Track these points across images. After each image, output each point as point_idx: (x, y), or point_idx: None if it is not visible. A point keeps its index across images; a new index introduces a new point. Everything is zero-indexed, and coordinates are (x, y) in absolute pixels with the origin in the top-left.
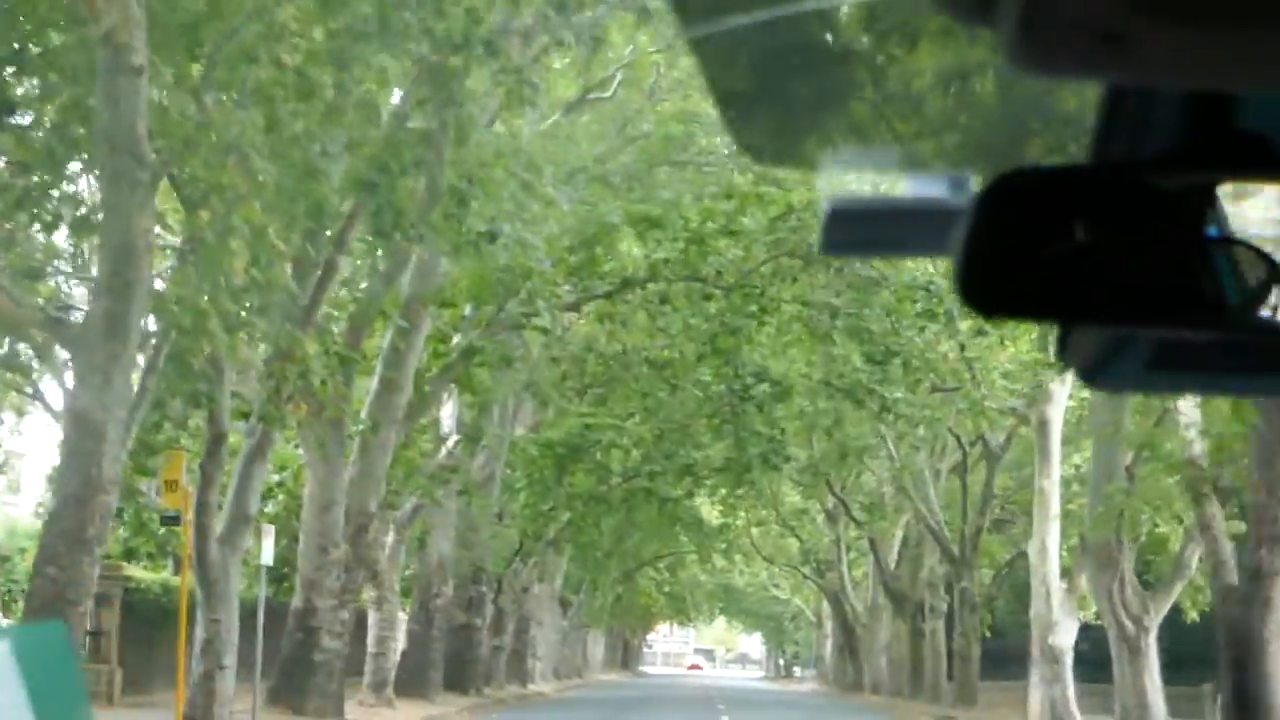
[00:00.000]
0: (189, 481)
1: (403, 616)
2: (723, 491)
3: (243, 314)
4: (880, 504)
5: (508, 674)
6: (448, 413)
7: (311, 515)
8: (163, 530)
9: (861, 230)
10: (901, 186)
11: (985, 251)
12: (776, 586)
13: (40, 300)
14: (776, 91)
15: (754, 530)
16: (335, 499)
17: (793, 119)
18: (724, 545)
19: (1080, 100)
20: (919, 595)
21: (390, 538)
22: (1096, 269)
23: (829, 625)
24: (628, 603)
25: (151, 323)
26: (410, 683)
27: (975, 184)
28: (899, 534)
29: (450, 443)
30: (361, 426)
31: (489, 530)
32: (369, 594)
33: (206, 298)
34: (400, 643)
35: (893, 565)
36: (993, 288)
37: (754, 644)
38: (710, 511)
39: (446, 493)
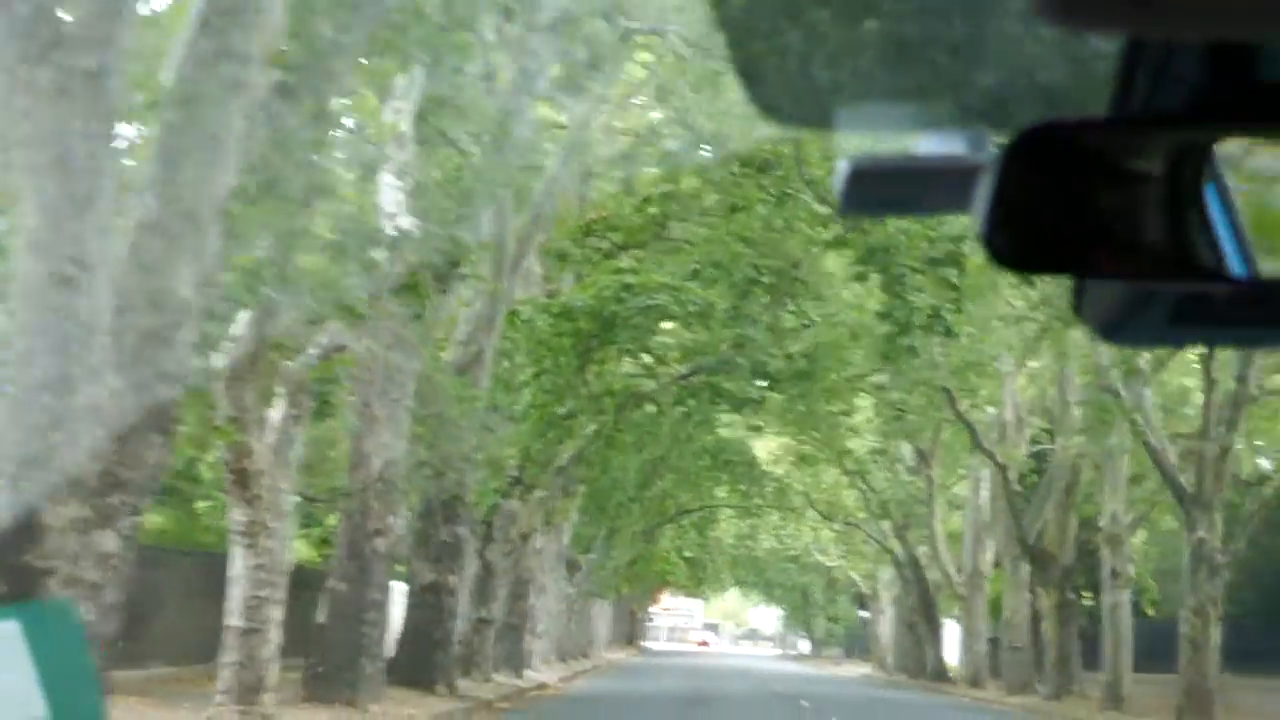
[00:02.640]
0: None
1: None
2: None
3: None
4: (1009, 431)
5: (498, 658)
6: (392, 198)
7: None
8: None
9: (881, 189)
10: (920, 144)
11: (1009, 207)
12: (822, 552)
13: None
14: (793, 51)
15: (807, 478)
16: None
17: (809, 79)
18: (773, 491)
19: (1100, 54)
20: (1067, 556)
21: (278, 415)
22: (1113, 224)
23: (885, 598)
24: (642, 568)
25: None
26: (331, 676)
27: (993, 140)
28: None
29: (394, 225)
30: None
31: (473, 436)
32: (236, 515)
33: None
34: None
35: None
36: (1016, 243)
37: (765, 618)
38: (767, 451)
39: (402, 349)
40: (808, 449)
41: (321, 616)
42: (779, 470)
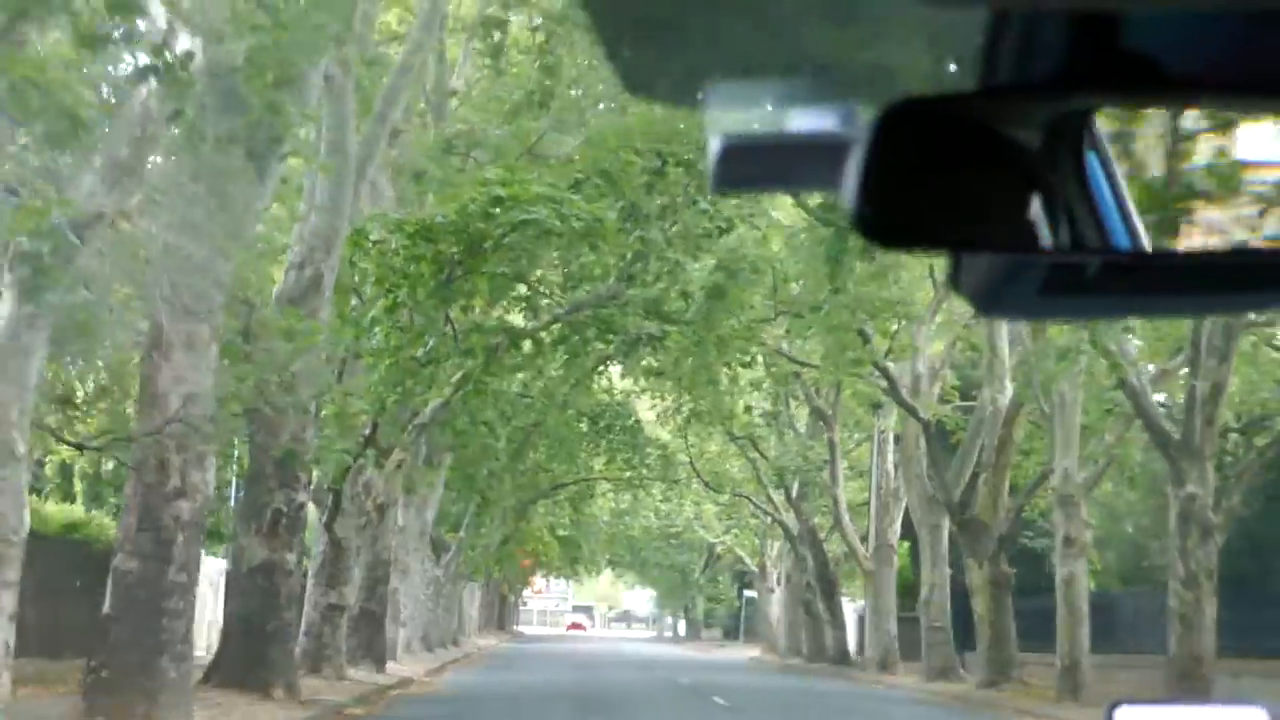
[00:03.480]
0: None
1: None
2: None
3: None
4: (923, 384)
5: (354, 650)
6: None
7: None
8: None
9: (752, 166)
10: (791, 120)
11: (879, 182)
12: (705, 527)
13: None
14: (659, 27)
15: (692, 446)
16: None
17: (676, 55)
18: (656, 460)
19: (964, 26)
20: (1000, 524)
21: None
22: (984, 197)
23: (774, 576)
24: (513, 547)
25: None
26: (120, 682)
27: (864, 114)
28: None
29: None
30: None
31: (310, 381)
32: None
33: None
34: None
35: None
36: (887, 219)
37: (639, 600)
38: (650, 413)
39: (200, 241)
40: (701, 407)
41: (107, 605)
42: (663, 434)
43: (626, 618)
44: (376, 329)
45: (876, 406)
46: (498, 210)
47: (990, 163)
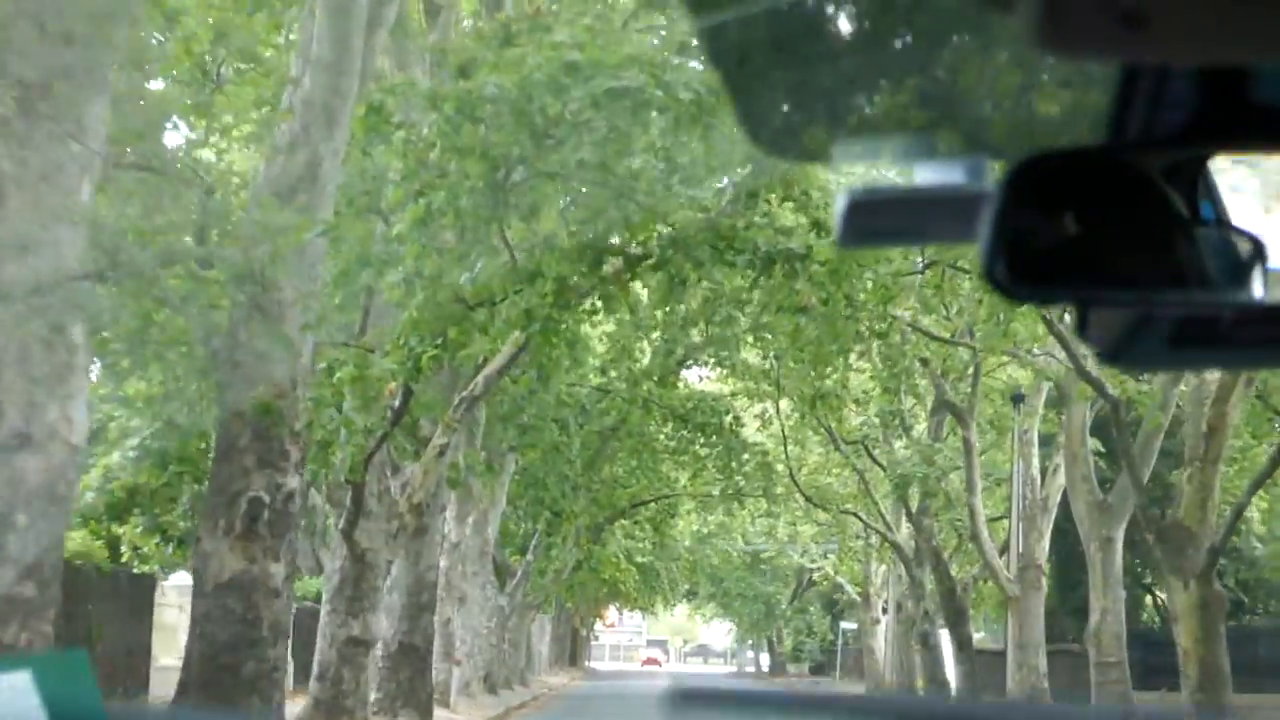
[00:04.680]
0: None
1: None
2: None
3: None
4: (1091, 362)
5: (389, 695)
6: None
7: None
8: None
9: (880, 220)
10: (918, 174)
11: (1009, 237)
12: (801, 551)
13: None
14: (788, 86)
15: (792, 457)
16: None
17: (805, 113)
18: (755, 468)
19: (1096, 81)
20: (1209, 532)
21: None
22: (1113, 250)
23: (879, 604)
24: (587, 575)
25: None
26: None
27: (992, 169)
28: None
29: None
30: None
31: (299, 307)
32: None
33: None
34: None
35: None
36: (1017, 272)
37: (715, 634)
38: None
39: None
40: (812, 393)
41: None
42: (764, 438)
43: (703, 652)
44: (405, 250)
45: (1017, 400)
46: (571, 81)
47: (1119, 215)
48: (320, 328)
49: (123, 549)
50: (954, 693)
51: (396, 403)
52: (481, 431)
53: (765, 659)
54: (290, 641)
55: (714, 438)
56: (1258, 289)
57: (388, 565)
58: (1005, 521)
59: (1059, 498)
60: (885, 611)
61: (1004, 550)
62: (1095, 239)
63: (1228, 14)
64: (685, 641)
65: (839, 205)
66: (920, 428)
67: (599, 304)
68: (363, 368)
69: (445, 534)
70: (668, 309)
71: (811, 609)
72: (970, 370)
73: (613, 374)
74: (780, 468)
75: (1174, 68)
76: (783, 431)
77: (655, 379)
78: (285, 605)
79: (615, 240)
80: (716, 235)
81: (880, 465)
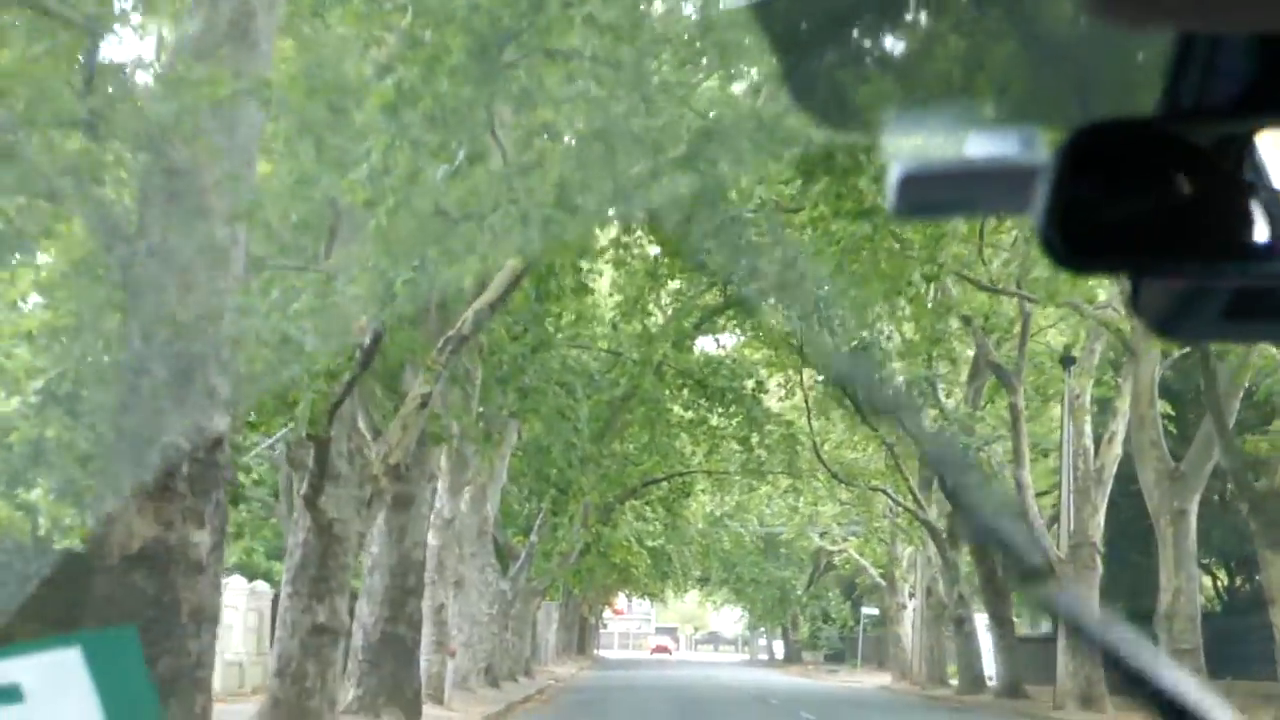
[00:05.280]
0: None
1: None
2: None
3: None
4: None
5: (370, 691)
6: None
7: None
8: None
9: (933, 192)
10: (971, 145)
11: (1065, 207)
12: (822, 532)
13: None
14: (839, 58)
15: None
16: None
17: (856, 85)
18: (778, 441)
19: (1149, 49)
20: None
21: None
22: (1165, 221)
23: (905, 589)
24: (597, 560)
25: None
26: None
27: (1045, 139)
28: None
29: None
30: None
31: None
32: None
33: None
34: None
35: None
36: (1073, 243)
37: (725, 620)
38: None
39: None
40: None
41: None
42: (786, 409)
43: (714, 639)
44: (369, 148)
45: (1067, 362)
46: None
47: (1173, 187)
48: (255, 221)
49: (41, 519)
50: (993, 683)
51: (366, 340)
52: (478, 394)
53: (779, 646)
54: (260, 631)
55: (733, 407)
56: None
57: (360, 539)
58: (1050, 497)
59: (1114, 469)
60: (912, 596)
61: (1051, 524)
62: (1150, 210)
63: None
64: (695, 629)
65: (892, 177)
66: (954, 397)
67: (612, 218)
68: (324, 296)
69: (438, 509)
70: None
71: (829, 594)
72: (1017, 328)
73: (624, 331)
74: (804, 440)
75: (1229, 37)
76: (806, 402)
77: (670, 343)
78: (212, 584)
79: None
80: (759, 126)
81: (913, 436)
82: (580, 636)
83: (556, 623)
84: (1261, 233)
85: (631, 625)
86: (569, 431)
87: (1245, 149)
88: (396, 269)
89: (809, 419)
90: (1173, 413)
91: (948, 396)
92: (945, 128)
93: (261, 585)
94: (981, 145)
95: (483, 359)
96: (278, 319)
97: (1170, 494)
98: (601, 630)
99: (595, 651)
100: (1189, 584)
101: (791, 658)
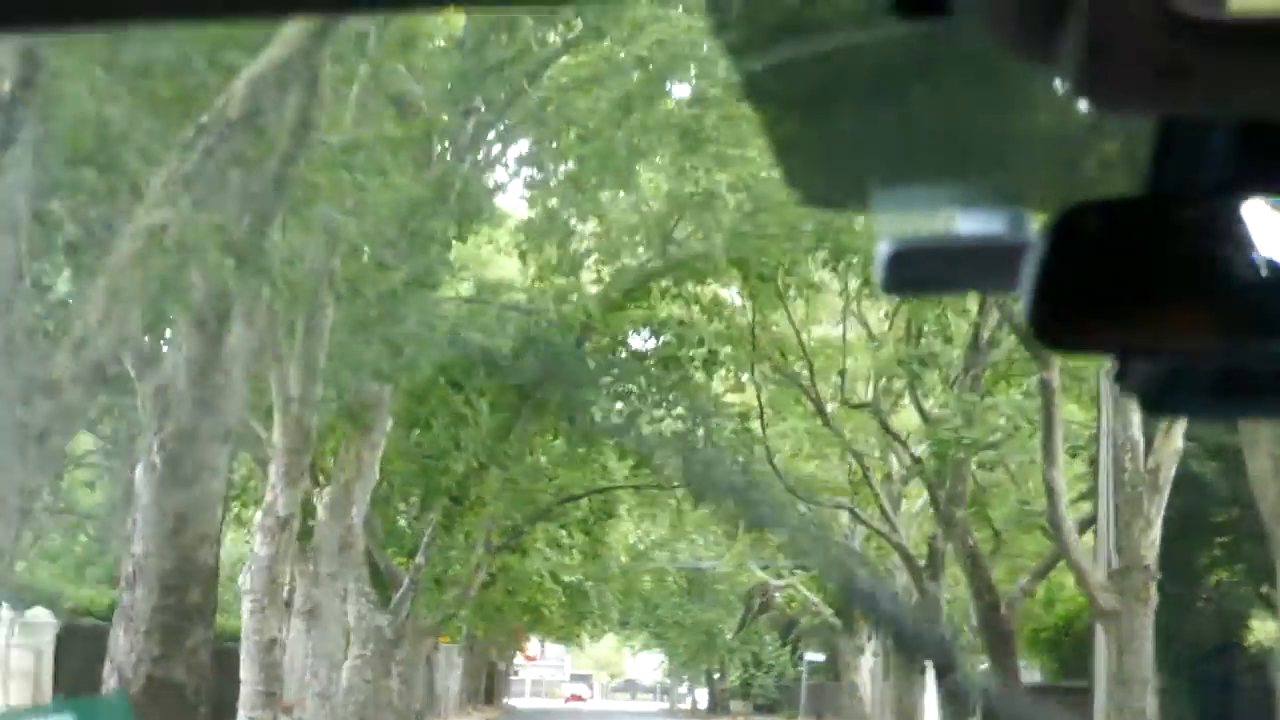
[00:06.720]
0: None
1: None
2: None
3: None
4: None
5: None
6: None
7: None
8: None
9: (922, 269)
10: (959, 224)
11: (1051, 286)
12: (764, 566)
13: None
14: (828, 134)
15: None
16: None
17: (845, 161)
18: (732, 434)
19: (1135, 133)
20: None
21: None
22: (1151, 300)
23: (866, 631)
24: (502, 598)
25: None
26: None
27: (1032, 219)
28: None
29: None
30: None
31: None
32: None
33: None
34: None
35: None
36: (1059, 322)
37: (643, 667)
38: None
39: None
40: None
41: None
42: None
43: (630, 687)
44: None
45: None
46: None
47: (1159, 266)
48: None
49: None
50: None
51: None
52: (326, 343)
53: (703, 695)
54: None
55: (673, 394)
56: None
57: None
58: (1081, 506)
59: (1174, 469)
60: (871, 638)
61: (1083, 533)
62: (1137, 289)
63: (1272, 68)
64: (611, 676)
65: (880, 253)
66: (939, 388)
67: None
68: None
69: (268, 502)
70: None
71: (763, 637)
72: None
73: (531, 274)
74: (759, 444)
75: (1213, 120)
76: (759, 399)
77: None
78: None
79: None
80: None
81: (897, 437)
82: (489, 684)
83: (460, 668)
84: (1248, 311)
85: (545, 672)
86: (461, 421)
87: (1230, 227)
88: None
89: (761, 421)
90: None
91: (945, 381)
92: (935, 206)
93: (41, 613)
94: (970, 223)
95: (335, 295)
96: None
97: None
98: (513, 678)
99: (505, 701)
100: None
101: (718, 707)
